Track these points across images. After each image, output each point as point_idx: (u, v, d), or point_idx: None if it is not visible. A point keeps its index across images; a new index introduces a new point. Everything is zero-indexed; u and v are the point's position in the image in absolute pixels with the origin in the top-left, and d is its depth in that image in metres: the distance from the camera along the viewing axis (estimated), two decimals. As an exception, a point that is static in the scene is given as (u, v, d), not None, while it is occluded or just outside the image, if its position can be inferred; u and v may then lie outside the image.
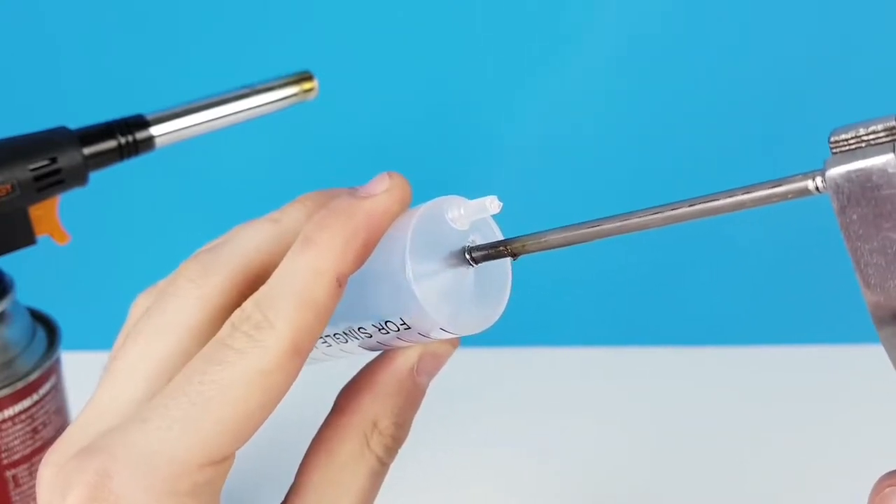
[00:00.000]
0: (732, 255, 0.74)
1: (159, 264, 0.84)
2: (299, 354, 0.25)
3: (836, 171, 0.22)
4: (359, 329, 0.28)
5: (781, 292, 0.75)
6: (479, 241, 0.27)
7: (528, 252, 0.27)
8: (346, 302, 0.26)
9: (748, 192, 0.23)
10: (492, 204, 0.26)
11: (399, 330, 0.27)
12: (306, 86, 0.47)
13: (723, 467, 0.65)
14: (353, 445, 0.28)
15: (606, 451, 0.66)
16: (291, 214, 0.28)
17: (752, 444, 0.67)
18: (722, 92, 0.71)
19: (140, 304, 0.30)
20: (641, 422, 0.69)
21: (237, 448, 0.25)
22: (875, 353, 0.25)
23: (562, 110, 0.71)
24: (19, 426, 0.43)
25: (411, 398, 0.29)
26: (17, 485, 0.44)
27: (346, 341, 0.29)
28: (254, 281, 0.27)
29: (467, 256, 0.27)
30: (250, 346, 0.24)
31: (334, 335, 0.29)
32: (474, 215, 0.26)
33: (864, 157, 0.22)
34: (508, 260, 0.27)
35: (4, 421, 0.43)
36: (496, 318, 0.28)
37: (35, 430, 0.44)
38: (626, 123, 0.71)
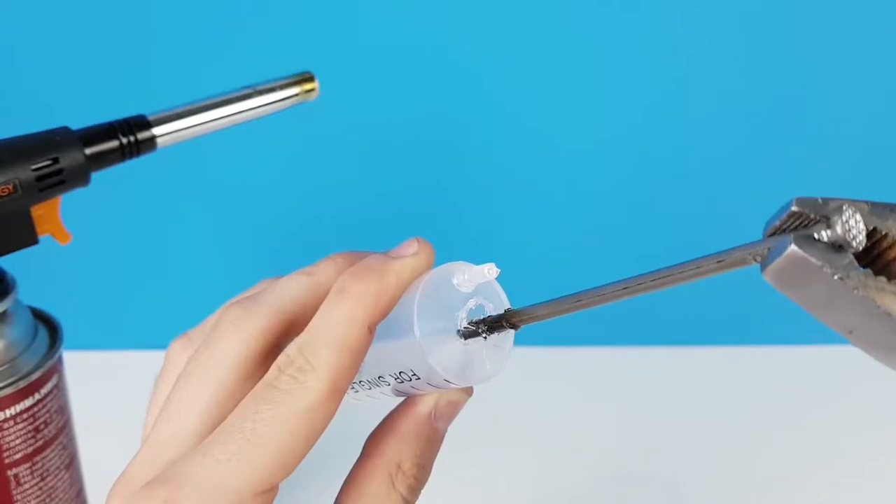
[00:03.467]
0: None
1: (160, 264, 0.84)
2: (337, 393, 0.28)
3: (768, 272, 0.22)
4: (379, 378, 0.31)
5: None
6: (483, 303, 0.30)
7: (497, 331, 0.30)
8: (369, 353, 0.29)
9: (699, 267, 0.24)
10: (490, 271, 0.29)
11: (411, 380, 0.30)
12: (307, 86, 0.47)
13: (722, 466, 0.65)
14: (379, 486, 0.30)
15: (606, 451, 0.67)
16: (323, 269, 0.32)
17: (751, 443, 0.67)
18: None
19: (174, 349, 0.34)
20: (641, 422, 0.70)
21: (285, 477, 0.27)
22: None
23: (562, 113, 0.71)
24: (21, 425, 0.43)
25: (430, 442, 0.31)
26: (18, 484, 0.44)
27: (370, 388, 0.32)
28: (290, 326, 0.31)
29: (459, 333, 0.29)
30: (295, 387, 0.27)
31: (360, 382, 0.32)
32: (476, 280, 0.29)
33: (780, 252, 0.21)
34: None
35: (6, 420, 0.43)
36: (497, 372, 0.30)
37: (37, 430, 0.44)
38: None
